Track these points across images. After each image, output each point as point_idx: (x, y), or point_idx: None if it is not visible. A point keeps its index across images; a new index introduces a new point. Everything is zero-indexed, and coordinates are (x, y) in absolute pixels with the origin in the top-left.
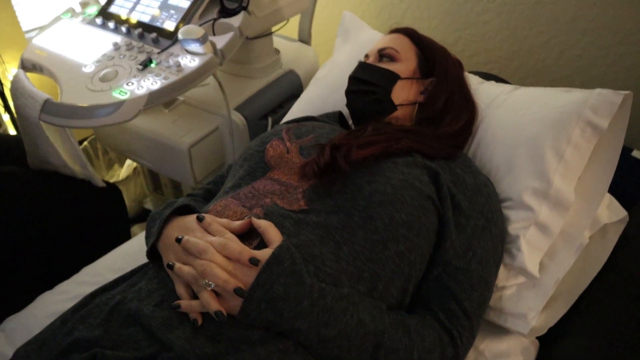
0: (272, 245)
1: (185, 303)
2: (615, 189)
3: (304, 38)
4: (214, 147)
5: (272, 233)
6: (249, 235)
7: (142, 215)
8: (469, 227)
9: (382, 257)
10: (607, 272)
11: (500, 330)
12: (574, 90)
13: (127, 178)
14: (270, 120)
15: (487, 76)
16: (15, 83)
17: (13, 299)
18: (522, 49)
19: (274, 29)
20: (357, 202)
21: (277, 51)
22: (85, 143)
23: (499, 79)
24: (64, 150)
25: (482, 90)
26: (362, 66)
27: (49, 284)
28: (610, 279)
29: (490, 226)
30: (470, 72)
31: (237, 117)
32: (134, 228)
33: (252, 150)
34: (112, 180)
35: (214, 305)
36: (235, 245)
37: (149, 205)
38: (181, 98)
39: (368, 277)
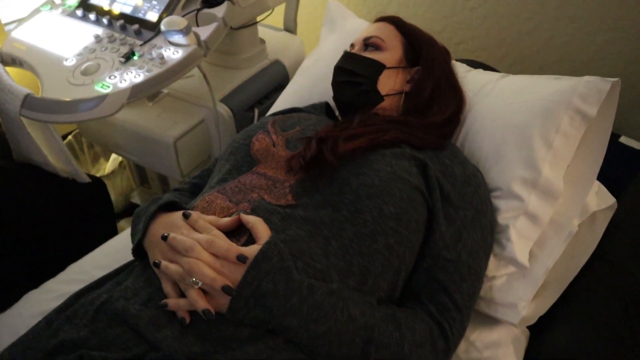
0: (260, 242)
1: (173, 301)
2: (603, 176)
3: (290, 27)
4: (200, 140)
5: (261, 229)
6: (238, 232)
7: (129, 210)
8: (459, 218)
9: (371, 251)
10: (596, 259)
11: (490, 321)
12: (563, 78)
13: (113, 172)
14: (256, 111)
15: (474, 64)
16: None
17: None
18: (509, 36)
19: (258, 18)
20: (345, 195)
21: (263, 41)
22: (70, 137)
23: (486, 67)
24: (47, 146)
25: (469, 78)
26: (347, 56)
27: (36, 282)
28: (600, 266)
29: (479, 217)
30: (457, 60)
31: (223, 109)
32: (121, 223)
33: (237, 143)
34: (98, 175)
35: (201, 303)
36: (223, 242)
37: (136, 199)
38: (165, 91)
39: (357, 271)
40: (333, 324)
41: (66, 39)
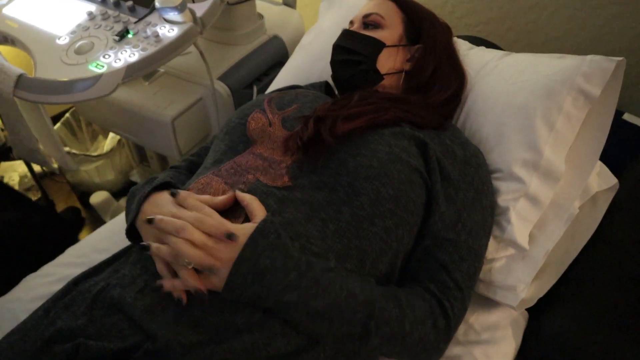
0: (255, 220)
1: (168, 282)
2: (605, 155)
3: (288, 1)
4: (198, 119)
5: (256, 207)
6: (234, 212)
7: (128, 188)
8: (459, 198)
9: (368, 234)
10: (597, 240)
11: (489, 303)
12: (567, 57)
13: (112, 150)
14: (255, 88)
15: (476, 40)
16: None
17: None
18: (512, 9)
19: None
20: (342, 177)
21: (261, 16)
22: (67, 115)
23: (489, 44)
24: (37, 130)
25: (471, 56)
26: (346, 34)
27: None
28: (600, 247)
29: (480, 197)
30: (459, 36)
31: (221, 87)
32: (120, 201)
33: (233, 123)
34: (96, 153)
35: (192, 283)
36: (212, 220)
37: (135, 177)
38: (162, 69)
39: (355, 254)
40: (333, 299)
41: (59, 16)
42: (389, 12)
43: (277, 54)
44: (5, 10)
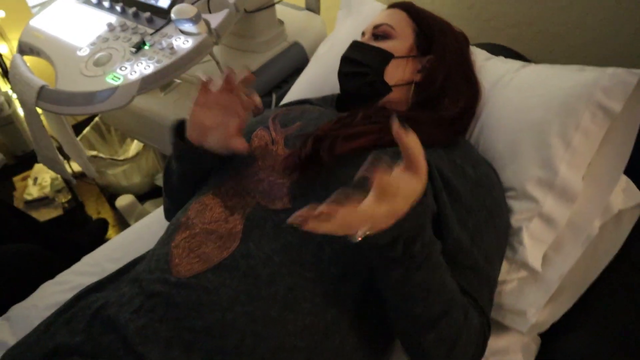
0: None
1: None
2: (632, 170)
3: (312, 6)
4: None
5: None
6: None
7: (154, 191)
8: (471, 221)
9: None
10: (620, 261)
11: (498, 326)
12: (586, 69)
13: (138, 154)
14: (274, 96)
15: (497, 49)
16: (12, 69)
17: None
18: (541, 12)
19: None
20: None
21: (281, 22)
22: (97, 119)
23: (510, 52)
24: (60, 137)
25: (488, 67)
26: (355, 45)
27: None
28: (623, 269)
29: (493, 219)
30: (478, 44)
31: None
32: (146, 205)
33: None
34: (122, 157)
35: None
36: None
37: (160, 181)
38: (178, 80)
39: (352, 277)
40: (430, 279)
41: (81, 27)
42: (400, 22)
43: (297, 60)
44: (32, 22)
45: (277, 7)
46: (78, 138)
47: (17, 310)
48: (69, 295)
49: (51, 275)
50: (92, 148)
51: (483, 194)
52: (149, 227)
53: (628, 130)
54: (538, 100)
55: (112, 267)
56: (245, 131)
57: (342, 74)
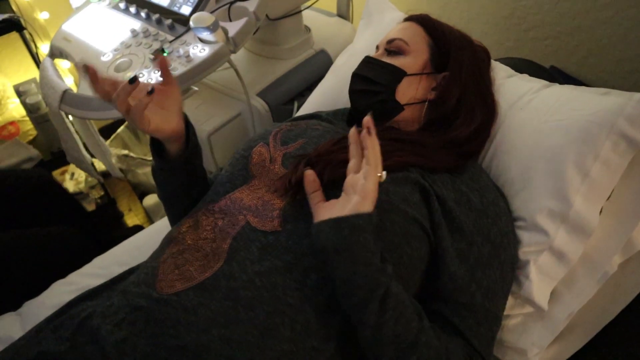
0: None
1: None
2: None
3: (343, 13)
4: (236, 134)
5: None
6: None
7: None
8: (472, 254)
9: None
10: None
11: None
12: (612, 93)
13: None
14: (296, 104)
15: (524, 64)
16: (41, 71)
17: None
18: (584, 23)
19: (308, 2)
20: None
21: (308, 29)
22: (126, 124)
23: (537, 69)
24: (86, 138)
25: (507, 86)
26: (366, 62)
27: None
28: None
29: (498, 252)
30: (507, 58)
31: (259, 103)
32: None
33: (238, 154)
34: (150, 157)
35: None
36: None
37: None
38: (195, 88)
39: (336, 307)
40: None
41: (107, 32)
42: (415, 37)
43: (322, 69)
44: (64, 26)
45: (307, 12)
46: (112, 137)
47: (29, 306)
48: (75, 295)
49: (88, 261)
50: (125, 147)
51: (488, 225)
52: (160, 232)
53: None
54: (556, 125)
55: (119, 271)
56: (246, 147)
57: (353, 92)
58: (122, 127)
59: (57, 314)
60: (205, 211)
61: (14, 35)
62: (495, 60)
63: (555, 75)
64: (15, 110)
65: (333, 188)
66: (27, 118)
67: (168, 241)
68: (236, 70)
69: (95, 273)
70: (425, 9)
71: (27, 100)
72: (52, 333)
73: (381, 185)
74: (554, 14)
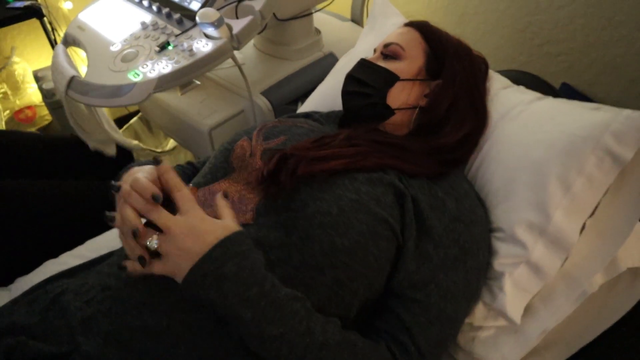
0: (225, 221)
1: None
2: None
3: (357, 18)
4: (237, 130)
5: (227, 213)
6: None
7: None
8: (437, 256)
9: (317, 283)
10: (626, 326)
11: None
12: (602, 108)
13: (176, 148)
14: (300, 105)
15: (526, 78)
16: (53, 57)
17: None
18: (598, 41)
19: (320, 5)
20: (299, 221)
21: (318, 32)
22: (139, 115)
23: (537, 82)
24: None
25: (501, 97)
26: (361, 64)
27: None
28: (628, 335)
29: (465, 257)
30: (509, 70)
31: (262, 101)
32: None
33: (222, 147)
34: (158, 150)
35: (137, 251)
36: (144, 180)
37: None
38: (197, 82)
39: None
40: (288, 330)
41: (119, 23)
42: (411, 42)
43: (328, 71)
44: (80, 15)
45: (320, 15)
46: (124, 127)
47: (20, 282)
48: None
49: None
50: (137, 138)
51: (459, 230)
52: None
53: None
54: (541, 137)
55: None
56: (231, 140)
57: (345, 93)
58: (135, 119)
59: (34, 288)
60: None
61: (37, 23)
62: (500, 71)
63: (565, 93)
64: (34, 95)
65: (306, 185)
66: (44, 103)
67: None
68: (239, 67)
69: (85, 255)
70: (442, 21)
71: (44, 86)
72: (27, 306)
73: (353, 184)
74: (568, 30)
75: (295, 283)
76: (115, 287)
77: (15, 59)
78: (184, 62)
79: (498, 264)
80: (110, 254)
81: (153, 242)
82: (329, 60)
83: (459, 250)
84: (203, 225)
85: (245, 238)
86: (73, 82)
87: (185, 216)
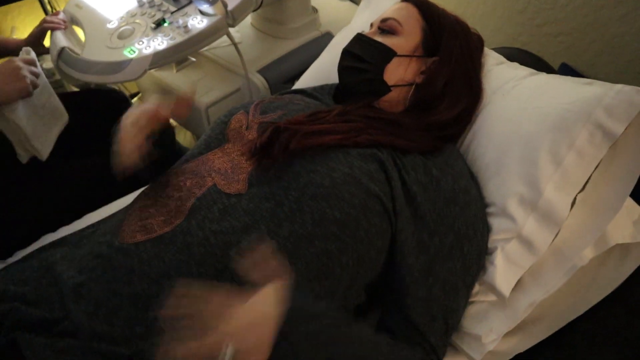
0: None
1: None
2: None
3: None
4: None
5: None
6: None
7: None
8: (433, 245)
9: (306, 254)
10: (613, 301)
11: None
12: (595, 84)
13: (175, 127)
14: (296, 83)
15: (518, 54)
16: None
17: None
18: (597, 20)
19: None
20: (291, 192)
21: (315, 11)
22: (139, 96)
23: (534, 60)
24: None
25: (495, 72)
26: (358, 39)
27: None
28: (615, 311)
29: (461, 243)
30: (505, 47)
31: (259, 80)
32: None
33: (219, 120)
34: None
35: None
36: None
37: None
38: (192, 59)
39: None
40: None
41: (116, 1)
42: (409, 18)
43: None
44: None
45: None
46: None
47: (18, 255)
48: None
49: None
50: None
51: (454, 214)
52: None
53: (635, 154)
54: (533, 112)
55: None
56: (228, 113)
57: (342, 68)
58: (135, 99)
59: (27, 257)
60: (178, 171)
61: (37, 3)
62: (499, 49)
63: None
64: None
65: (299, 157)
66: None
67: (140, 196)
68: (235, 45)
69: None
70: (441, 2)
71: (44, 66)
72: (20, 273)
73: (346, 158)
74: (567, 10)
75: (285, 253)
76: (107, 255)
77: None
78: (179, 39)
79: (491, 239)
80: (103, 222)
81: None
82: (326, 40)
83: (454, 236)
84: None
85: (288, 295)
86: (63, 53)
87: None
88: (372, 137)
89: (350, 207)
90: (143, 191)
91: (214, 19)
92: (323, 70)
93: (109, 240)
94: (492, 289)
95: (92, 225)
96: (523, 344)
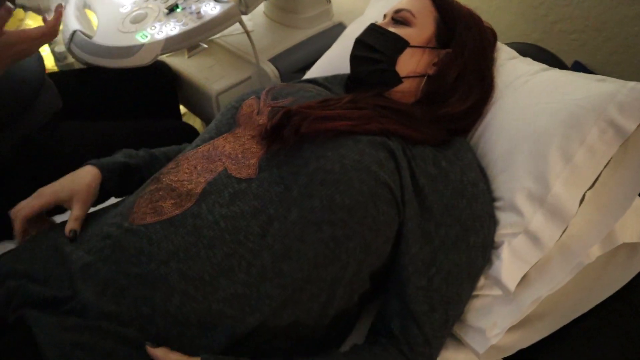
0: None
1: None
2: None
3: None
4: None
5: None
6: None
7: None
8: (438, 236)
9: (314, 239)
10: (618, 300)
11: (458, 342)
12: (608, 80)
13: (185, 115)
14: (307, 73)
15: (532, 49)
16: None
17: None
18: (612, 19)
19: None
20: (301, 176)
21: (328, 1)
22: None
23: (546, 55)
24: None
25: (507, 67)
26: (371, 29)
27: None
28: (619, 308)
29: (466, 235)
30: (516, 42)
31: (270, 68)
32: None
33: (230, 105)
34: None
35: None
36: None
37: None
38: (204, 45)
39: (295, 257)
40: None
41: None
42: (423, 10)
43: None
44: None
45: None
46: None
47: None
48: None
49: None
50: None
51: (461, 207)
52: None
53: None
54: (545, 107)
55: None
56: (239, 99)
57: (354, 57)
58: None
59: (36, 237)
60: (188, 155)
61: None
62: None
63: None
64: (47, 58)
65: (309, 142)
66: (56, 67)
67: (151, 180)
68: (247, 33)
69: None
70: None
71: (56, 49)
72: (30, 251)
73: (357, 145)
74: (582, 7)
75: (293, 238)
76: (116, 236)
77: (28, 21)
78: (192, 25)
79: (498, 234)
80: (115, 205)
81: None
82: (338, 30)
83: (460, 228)
84: None
85: None
86: (75, 36)
87: None
88: (382, 125)
89: (360, 194)
90: (154, 176)
91: (226, 6)
92: (334, 60)
93: (118, 222)
94: (498, 283)
95: (104, 209)
96: (526, 339)
